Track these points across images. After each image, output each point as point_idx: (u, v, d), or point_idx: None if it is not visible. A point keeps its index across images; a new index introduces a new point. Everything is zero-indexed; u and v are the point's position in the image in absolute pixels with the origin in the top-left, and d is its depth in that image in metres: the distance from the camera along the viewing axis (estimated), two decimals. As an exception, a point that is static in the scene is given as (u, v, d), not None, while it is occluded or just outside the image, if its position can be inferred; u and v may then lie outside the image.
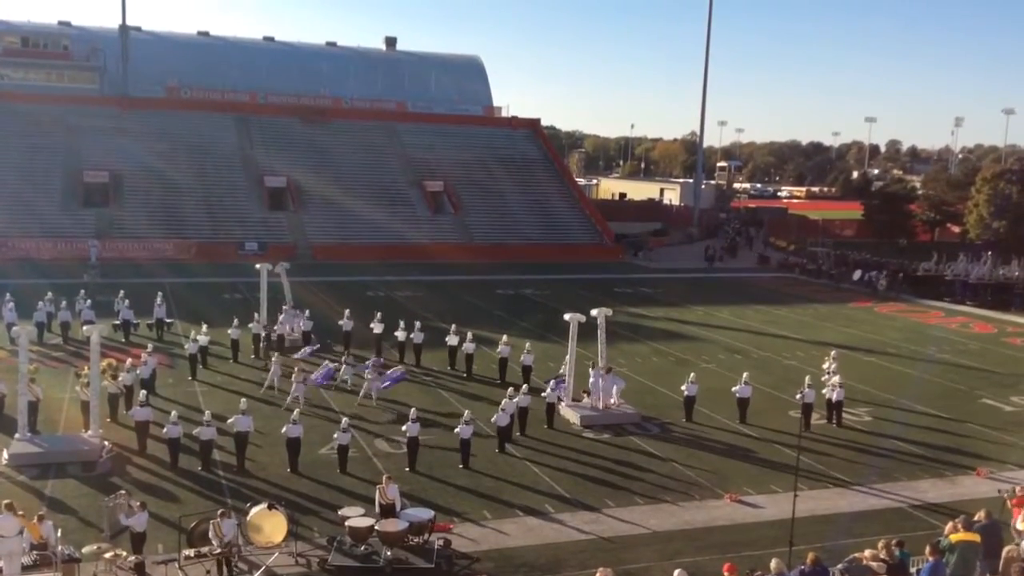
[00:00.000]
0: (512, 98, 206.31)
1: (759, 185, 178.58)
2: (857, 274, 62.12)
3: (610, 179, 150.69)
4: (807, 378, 29.21)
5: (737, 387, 28.95)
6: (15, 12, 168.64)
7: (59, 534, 16.98)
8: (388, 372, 30.52)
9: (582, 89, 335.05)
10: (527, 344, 33.37)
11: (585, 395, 29.21)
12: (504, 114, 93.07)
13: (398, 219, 71.54)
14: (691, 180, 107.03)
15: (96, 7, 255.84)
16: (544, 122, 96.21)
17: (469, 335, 34.11)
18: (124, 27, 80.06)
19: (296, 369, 29.67)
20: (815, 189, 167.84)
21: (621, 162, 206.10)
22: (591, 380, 29.05)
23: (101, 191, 66.98)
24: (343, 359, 32.08)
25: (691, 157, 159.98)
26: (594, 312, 29.32)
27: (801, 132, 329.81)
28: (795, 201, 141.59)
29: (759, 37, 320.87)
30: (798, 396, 28.11)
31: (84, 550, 16.78)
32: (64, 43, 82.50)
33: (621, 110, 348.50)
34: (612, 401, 28.73)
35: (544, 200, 79.17)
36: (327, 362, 31.78)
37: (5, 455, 22.76)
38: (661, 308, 50.47)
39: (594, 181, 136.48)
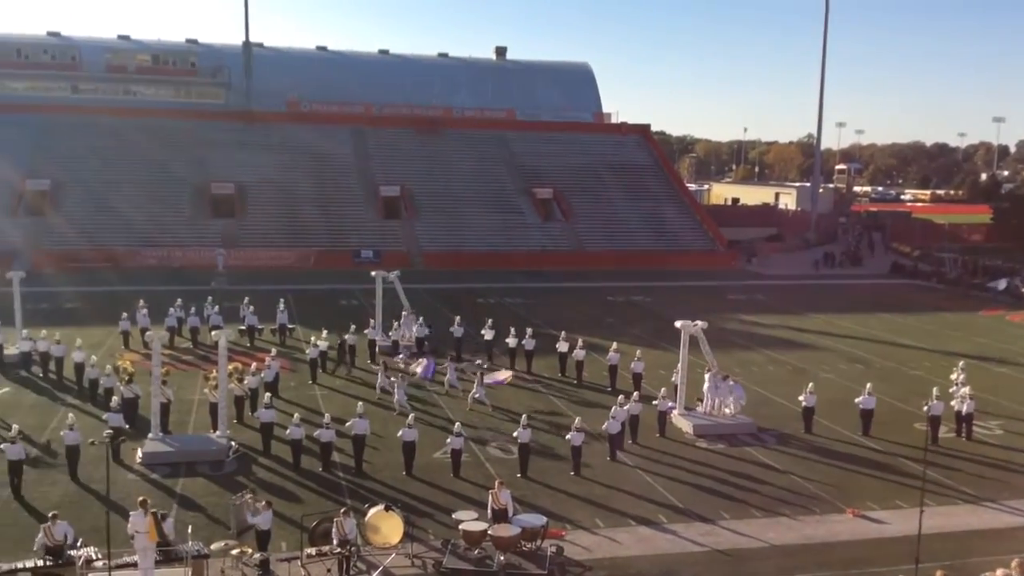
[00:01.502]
0: (622, 103, 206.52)
1: (880, 188, 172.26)
2: (1002, 283, 58.86)
3: (722, 184, 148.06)
4: (935, 389, 28.01)
5: (860, 398, 28.02)
6: (146, 31, 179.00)
7: (190, 531, 17.79)
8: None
9: (693, 92, 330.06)
10: (637, 351, 33.18)
11: (699, 403, 28.79)
12: (613, 120, 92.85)
13: (508, 226, 72.26)
14: (808, 184, 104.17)
15: (221, 25, 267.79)
16: (654, 127, 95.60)
17: (579, 342, 34.10)
18: (247, 44, 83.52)
19: (399, 374, 30.32)
20: (940, 192, 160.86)
21: (734, 166, 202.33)
22: (706, 386, 28.61)
23: (227, 202, 70.12)
24: (448, 360, 32.67)
25: (808, 160, 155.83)
26: (691, 330, 28.49)
27: (925, 133, 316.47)
28: (919, 205, 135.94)
29: (879, 34, 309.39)
30: (925, 408, 26.86)
31: (212, 547, 17.52)
32: (192, 60, 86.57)
33: (734, 113, 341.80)
34: (728, 411, 28.22)
35: (654, 206, 78.47)
36: (426, 360, 32.64)
37: (139, 454, 23.99)
38: (777, 315, 49.28)
39: (706, 186, 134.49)
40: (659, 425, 27.19)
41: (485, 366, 33.76)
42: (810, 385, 28.58)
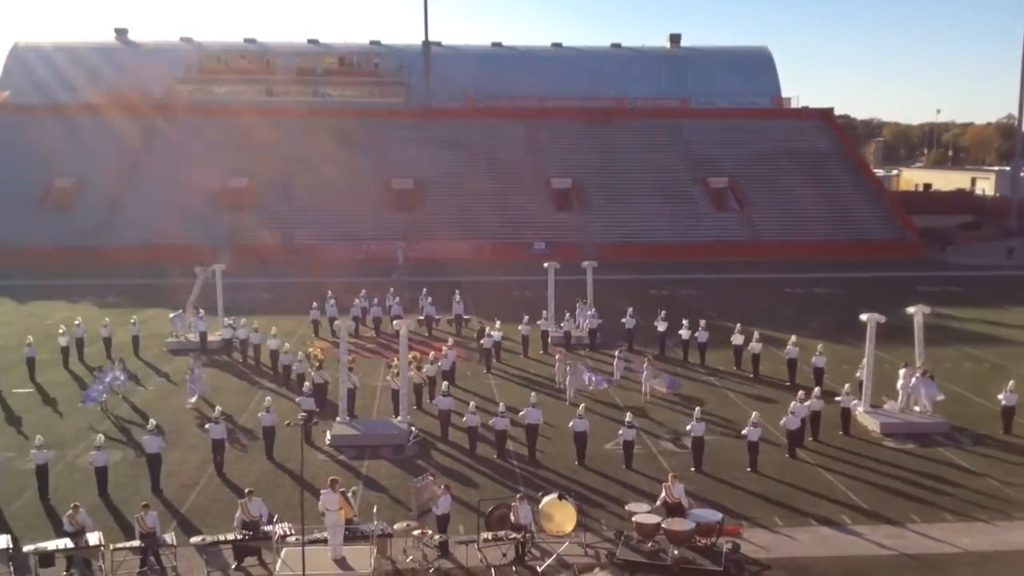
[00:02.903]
0: (803, 87, 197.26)
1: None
2: None
3: (912, 169, 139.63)
4: None
5: (1066, 398, 25.90)
6: (333, 35, 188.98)
7: (375, 510, 18.69)
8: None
9: (880, 72, 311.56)
10: (819, 345, 31.91)
11: (885, 400, 27.42)
12: (794, 105, 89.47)
13: (681, 217, 71.30)
14: (1008, 168, 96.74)
15: (402, 25, 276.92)
16: (838, 111, 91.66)
17: (755, 335, 33.20)
18: (426, 43, 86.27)
19: (572, 363, 30.44)
20: None
21: (925, 150, 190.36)
22: (900, 381, 27.19)
23: (406, 197, 72.88)
24: (617, 353, 32.42)
25: (1007, 142, 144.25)
26: (911, 310, 27.45)
27: None
28: None
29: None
30: None
31: (395, 526, 18.33)
32: (375, 61, 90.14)
33: (925, 93, 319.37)
34: (918, 409, 26.73)
35: (837, 194, 75.19)
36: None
37: (328, 436, 25.39)
38: (974, 309, 46.16)
39: (894, 172, 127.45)
40: (842, 422, 26.12)
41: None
42: (1010, 383, 26.64)
